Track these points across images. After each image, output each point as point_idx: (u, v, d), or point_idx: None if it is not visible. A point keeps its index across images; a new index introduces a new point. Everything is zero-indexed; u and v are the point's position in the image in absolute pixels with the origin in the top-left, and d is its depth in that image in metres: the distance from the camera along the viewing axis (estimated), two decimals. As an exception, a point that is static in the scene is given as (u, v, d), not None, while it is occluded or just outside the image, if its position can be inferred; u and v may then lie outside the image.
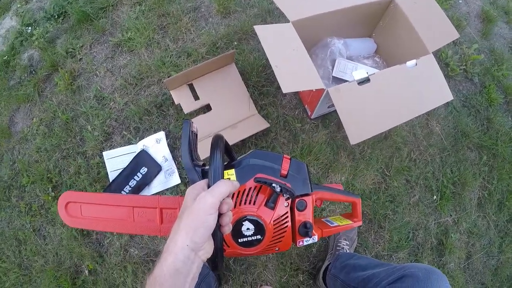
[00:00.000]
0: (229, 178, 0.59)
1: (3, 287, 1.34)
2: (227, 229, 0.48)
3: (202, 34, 1.54)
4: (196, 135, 0.63)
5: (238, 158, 0.64)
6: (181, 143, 0.57)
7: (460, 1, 1.96)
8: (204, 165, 0.59)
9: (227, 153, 0.64)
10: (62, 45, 1.59)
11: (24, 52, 1.65)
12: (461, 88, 1.67)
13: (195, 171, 0.56)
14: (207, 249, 0.45)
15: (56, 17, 1.68)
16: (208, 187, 0.47)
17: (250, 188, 0.59)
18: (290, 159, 0.63)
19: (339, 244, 1.20)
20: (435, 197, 1.45)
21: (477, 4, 1.98)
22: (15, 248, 1.35)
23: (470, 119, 1.61)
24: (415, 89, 1.12)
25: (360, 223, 0.73)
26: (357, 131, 1.01)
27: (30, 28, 1.68)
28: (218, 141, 0.53)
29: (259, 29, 1.08)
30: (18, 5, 1.79)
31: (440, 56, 1.66)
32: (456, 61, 1.63)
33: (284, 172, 0.61)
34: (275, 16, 1.61)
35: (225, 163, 0.62)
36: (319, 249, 1.31)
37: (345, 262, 1.04)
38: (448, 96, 1.14)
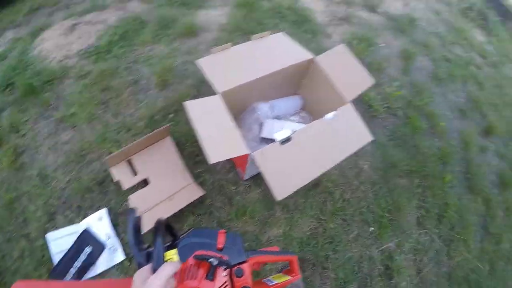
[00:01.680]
0: (171, 258, 0.66)
1: None
2: None
3: (141, 107, 1.63)
4: (140, 219, 0.69)
5: (180, 237, 0.71)
6: (127, 230, 0.64)
7: (382, 45, 2.20)
8: (149, 247, 0.67)
9: (170, 233, 0.71)
10: (7, 119, 1.60)
11: None
12: (386, 124, 1.84)
13: (140, 255, 0.63)
14: None
15: (4, 88, 1.71)
16: (154, 270, 0.56)
17: (191, 265, 0.65)
18: (226, 232, 0.69)
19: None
20: (372, 228, 1.57)
21: (397, 45, 2.23)
22: None
23: (397, 150, 1.77)
24: (335, 139, 1.23)
25: (299, 276, 0.82)
26: (282, 187, 1.10)
27: None
28: (159, 227, 0.63)
29: (189, 105, 1.18)
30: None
31: (363, 99, 1.84)
32: (379, 101, 1.81)
33: (220, 245, 0.68)
34: (209, 85, 1.68)
35: (168, 243, 0.70)
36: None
37: None
38: (367, 138, 1.26)
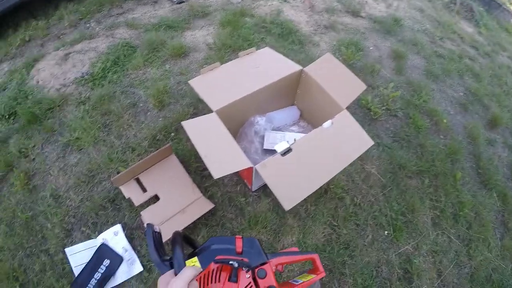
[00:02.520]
0: (194, 265, 0.68)
1: None
2: None
3: (143, 128, 1.65)
4: (160, 233, 0.72)
5: (199, 246, 0.73)
6: (148, 244, 0.66)
7: (371, 48, 2.23)
8: (171, 258, 0.67)
9: (189, 243, 0.75)
10: (15, 145, 1.64)
11: None
12: (388, 126, 1.83)
13: (164, 265, 0.64)
14: None
15: (7, 117, 1.75)
16: (176, 274, 0.57)
17: (213, 270, 0.66)
18: (242, 238, 0.71)
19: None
20: (387, 232, 1.54)
21: (387, 46, 2.26)
22: None
23: (403, 151, 1.75)
24: (335, 146, 1.23)
25: (323, 274, 0.82)
26: (289, 197, 1.09)
27: None
28: (176, 237, 0.65)
29: (187, 125, 1.20)
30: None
31: (361, 104, 1.84)
32: (377, 103, 1.81)
33: (239, 249, 0.70)
34: (205, 103, 1.74)
35: (189, 253, 0.71)
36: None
37: None
38: (368, 143, 1.25)
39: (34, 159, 1.62)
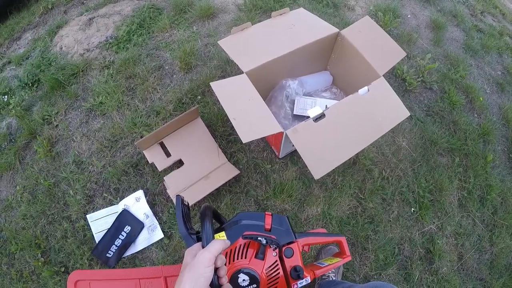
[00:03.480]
0: (222, 239, 0.68)
1: None
2: (224, 280, 0.55)
3: (168, 91, 1.62)
4: (188, 206, 0.72)
5: (227, 221, 0.73)
6: (176, 216, 0.65)
7: (409, 16, 2.09)
8: (198, 232, 0.67)
9: (217, 218, 0.74)
10: (38, 113, 1.65)
11: (2, 121, 1.71)
12: (422, 99, 1.74)
13: (191, 238, 0.64)
14: None
15: (30, 85, 1.76)
16: (203, 246, 0.56)
17: (240, 245, 0.67)
18: (272, 214, 0.70)
19: (324, 274, 1.23)
20: (413, 209, 1.50)
21: (425, 15, 2.11)
22: (10, 315, 1.35)
23: (435, 126, 1.67)
24: (370, 114, 1.17)
25: (349, 258, 0.80)
26: (319, 165, 1.06)
27: (6, 96, 1.75)
28: (206, 211, 0.64)
29: (215, 86, 1.15)
30: (-7, 74, 1.86)
31: (396, 73, 1.74)
32: (412, 74, 1.71)
33: (268, 226, 0.69)
34: (234, 65, 1.69)
35: (216, 227, 0.71)
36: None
37: None
38: (404, 113, 1.19)
39: (57, 125, 1.62)
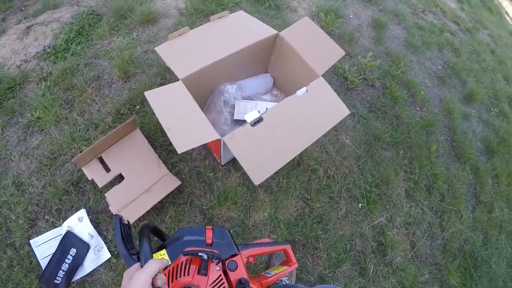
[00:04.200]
0: (162, 258, 0.67)
1: None
2: None
3: (107, 102, 1.55)
4: (128, 225, 0.69)
5: (168, 239, 0.71)
6: (115, 237, 0.64)
7: (351, 16, 2.16)
8: (138, 252, 0.65)
9: (158, 235, 0.72)
10: None
11: None
12: (365, 96, 1.80)
13: (132, 258, 0.63)
14: None
15: None
16: (141, 266, 0.55)
17: (182, 262, 0.65)
18: (212, 228, 0.70)
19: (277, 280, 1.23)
20: (361, 204, 1.54)
21: (367, 15, 2.19)
22: None
23: (378, 121, 1.74)
24: (309, 115, 1.18)
25: (296, 265, 0.81)
26: (258, 171, 1.05)
27: None
28: (143, 230, 0.62)
29: (150, 95, 1.11)
30: None
31: (337, 72, 1.79)
32: (354, 72, 1.76)
33: (209, 241, 0.68)
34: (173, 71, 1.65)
35: (158, 245, 0.69)
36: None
37: None
38: (344, 112, 1.20)
39: None
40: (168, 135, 1.02)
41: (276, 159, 1.09)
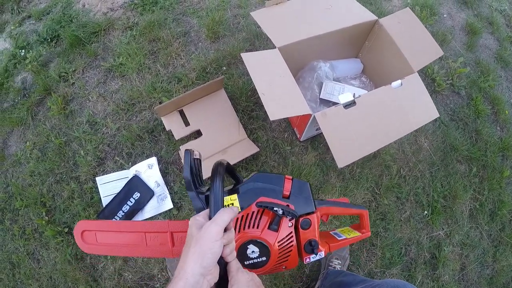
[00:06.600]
0: (232, 204, 0.61)
1: (-4, 310, 1.34)
2: (231, 257, 0.51)
3: (192, 59, 1.56)
4: (200, 160, 0.63)
5: (242, 180, 0.65)
6: (184, 173, 0.58)
7: (445, 16, 2.01)
8: (208, 190, 0.59)
9: (231, 175, 0.65)
10: (55, 69, 1.60)
11: (18, 75, 1.66)
12: (449, 102, 1.69)
13: (199, 199, 0.58)
14: (214, 274, 0.49)
15: (49, 40, 1.70)
16: (210, 216, 0.50)
17: (253, 212, 0.60)
18: (292, 179, 0.63)
19: (330, 264, 1.22)
20: (426, 212, 1.47)
21: (462, 17, 2.03)
22: (9, 272, 1.34)
23: (458, 132, 1.63)
24: (401, 109, 1.14)
25: (369, 234, 0.74)
26: (344, 154, 1.03)
27: (23, 51, 1.70)
28: (218, 169, 0.55)
29: (246, 57, 1.10)
30: (12, 27, 1.82)
31: (426, 72, 1.69)
32: (442, 75, 1.66)
33: (286, 193, 0.62)
34: (263, 40, 1.64)
35: (230, 187, 0.64)
36: (311, 269, 1.32)
37: (333, 280, 1.08)
38: (434, 114, 1.16)
39: (73, 83, 1.57)
40: (262, 100, 1.01)
41: (363, 145, 1.06)
